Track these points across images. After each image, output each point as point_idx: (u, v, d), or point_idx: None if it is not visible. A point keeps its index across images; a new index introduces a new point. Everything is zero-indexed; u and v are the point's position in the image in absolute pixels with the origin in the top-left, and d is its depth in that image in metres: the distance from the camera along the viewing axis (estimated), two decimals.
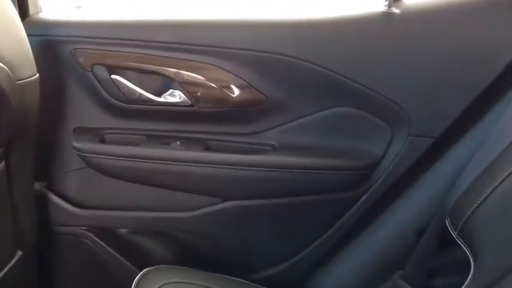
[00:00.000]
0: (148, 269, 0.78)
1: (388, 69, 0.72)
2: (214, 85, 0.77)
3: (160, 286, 0.70)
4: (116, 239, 0.89)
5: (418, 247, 0.66)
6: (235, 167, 0.78)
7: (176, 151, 0.79)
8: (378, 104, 0.74)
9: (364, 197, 0.80)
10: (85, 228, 0.87)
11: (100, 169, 0.81)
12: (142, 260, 0.91)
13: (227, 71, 0.75)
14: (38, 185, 0.84)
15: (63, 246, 0.90)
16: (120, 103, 0.79)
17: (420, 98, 0.73)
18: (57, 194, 0.85)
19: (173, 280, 0.72)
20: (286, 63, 0.73)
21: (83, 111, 0.82)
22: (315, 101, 0.78)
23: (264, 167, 0.78)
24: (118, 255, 0.90)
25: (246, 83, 0.75)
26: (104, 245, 0.89)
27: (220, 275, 0.79)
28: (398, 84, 0.72)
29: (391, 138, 0.77)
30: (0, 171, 0.63)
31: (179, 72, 0.75)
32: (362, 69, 0.73)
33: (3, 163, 0.63)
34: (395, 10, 0.71)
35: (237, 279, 0.79)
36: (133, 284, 0.74)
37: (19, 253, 0.73)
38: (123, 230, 0.90)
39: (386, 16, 0.71)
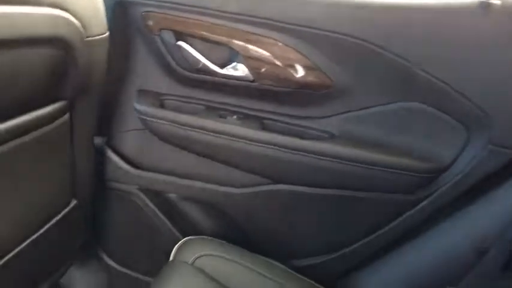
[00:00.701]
0: (190, 237, 0.78)
1: (476, 67, 0.64)
2: (279, 63, 0.73)
3: (199, 256, 0.70)
4: (164, 203, 0.91)
5: (479, 267, 0.60)
6: (290, 150, 0.75)
7: (232, 126, 0.77)
8: (457, 104, 0.66)
9: (424, 203, 0.74)
10: (137, 187, 0.89)
11: (157, 133, 0.82)
12: (186, 228, 0.93)
13: (295, 49, 0.71)
14: (98, 140, 0.87)
15: (114, 201, 0.93)
16: (184, 70, 0.78)
17: (509, 105, 0.64)
18: (115, 151, 0.88)
19: (212, 253, 0.72)
20: (359, 47, 0.67)
21: (147, 75, 0.83)
22: (385, 92, 0.72)
23: (320, 155, 0.74)
24: (164, 219, 0.91)
25: (313, 65, 0.71)
26: (152, 206, 0.91)
27: (259, 255, 0.78)
28: (485, 85, 0.64)
29: (466, 143, 0.70)
30: (64, 122, 0.65)
31: (245, 46, 0.73)
32: (444, 64, 0.65)
33: (67, 115, 0.65)
34: (496, 1, 0.62)
35: (274, 262, 0.77)
36: (174, 249, 0.75)
37: (74, 202, 0.76)
38: (172, 196, 0.91)
39: (485, 7, 0.63)
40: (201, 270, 0.68)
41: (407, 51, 0.65)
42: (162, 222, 0.93)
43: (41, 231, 0.68)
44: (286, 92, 0.76)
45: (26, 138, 0.58)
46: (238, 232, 0.89)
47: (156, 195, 0.91)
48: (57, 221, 0.72)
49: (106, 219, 0.97)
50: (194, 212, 0.92)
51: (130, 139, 0.88)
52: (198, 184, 0.86)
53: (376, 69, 0.70)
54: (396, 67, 0.67)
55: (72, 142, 0.70)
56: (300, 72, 0.73)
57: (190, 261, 0.69)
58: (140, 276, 1.04)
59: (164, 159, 0.87)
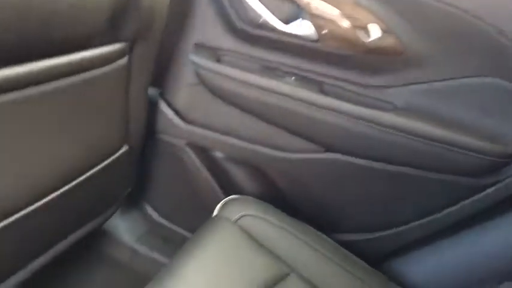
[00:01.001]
0: (233, 196, 0.77)
1: None
2: (348, 23, 0.68)
3: (244, 215, 0.69)
4: (210, 160, 0.90)
5: None
6: (348, 117, 0.71)
7: (289, 86, 0.74)
8: None
9: (489, 190, 0.68)
10: (185, 142, 0.89)
11: (212, 88, 0.80)
12: (229, 188, 0.92)
13: (369, 9, 0.65)
14: (152, 91, 0.87)
15: (161, 154, 0.94)
16: (244, 25, 0.75)
17: None
18: (168, 103, 0.87)
19: (258, 214, 0.70)
20: (448, 15, 0.60)
21: (207, 28, 0.80)
22: (465, 64, 0.65)
23: (381, 126, 0.69)
24: (208, 176, 0.91)
25: (388, 29, 0.65)
26: (197, 163, 0.90)
27: (301, 222, 0.75)
28: None
29: None
30: (122, 65, 0.64)
31: (312, 2, 0.68)
32: None
33: (126, 58, 0.64)
34: None
35: (321, 233, 0.75)
36: (218, 206, 0.74)
37: (125, 147, 0.77)
38: (219, 154, 0.90)
39: None
40: (245, 230, 0.66)
41: (501, 19, 0.58)
42: (205, 180, 0.92)
43: (92, 171, 0.69)
44: (352, 56, 0.71)
45: (86, 75, 0.57)
46: (281, 198, 0.87)
47: (203, 152, 0.90)
48: (108, 164, 0.72)
49: (152, 170, 0.98)
50: (239, 173, 0.91)
51: (184, 93, 0.86)
52: (247, 145, 0.84)
53: (460, 40, 0.63)
54: (485, 36, 0.60)
55: (128, 86, 0.69)
56: (371, 35, 0.68)
57: (233, 219, 0.68)
58: (180, 230, 1.05)
59: (215, 116, 0.85)
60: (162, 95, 0.88)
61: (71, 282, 1.02)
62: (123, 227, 1.13)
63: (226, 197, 0.90)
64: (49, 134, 0.56)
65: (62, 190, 0.63)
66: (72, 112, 0.59)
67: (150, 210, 1.07)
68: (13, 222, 0.55)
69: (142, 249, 1.11)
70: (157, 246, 1.11)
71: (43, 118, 0.54)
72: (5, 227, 0.54)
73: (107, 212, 0.89)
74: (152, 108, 0.87)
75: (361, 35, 0.69)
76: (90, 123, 0.65)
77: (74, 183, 0.65)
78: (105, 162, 0.71)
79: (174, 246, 1.10)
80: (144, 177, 0.97)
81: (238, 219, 0.68)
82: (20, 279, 0.68)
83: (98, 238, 1.12)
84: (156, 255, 1.10)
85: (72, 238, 0.80)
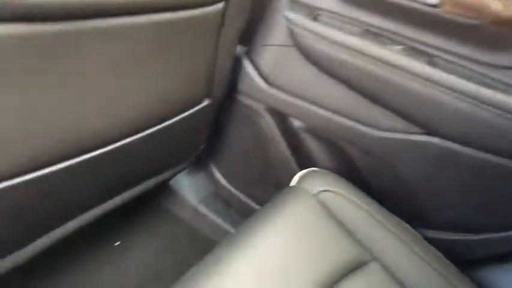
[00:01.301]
0: (314, 169, 0.71)
1: None
2: None
3: (323, 190, 0.63)
4: (288, 129, 0.85)
5: None
6: (459, 96, 0.61)
7: (395, 55, 0.65)
8: None
9: None
10: (264, 106, 0.84)
11: (304, 49, 0.74)
12: (305, 160, 0.86)
13: None
14: (238, 49, 0.82)
15: (237, 115, 0.90)
16: None
17: None
18: (252, 62, 0.82)
19: (337, 190, 0.64)
20: None
21: None
22: None
23: (500, 110, 0.59)
24: (284, 145, 0.86)
25: None
26: (274, 129, 0.85)
27: (387, 210, 0.68)
28: None
29: None
30: (218, 10, 0.59)
31: None
32: None
33: (222, 3, 0.59)
34: None
35: (406, 224, 0.67)
36: (295, 177, 0.69)
37: (206, 101, 0.73)
38: (298, 123, 0.84)
39: None
40: (325, 206, 0.60)
41: None
42: (280, 148, 0.87)
43: (170, 122, 0.66)
44: (476, 27, 0.60)
45: (181, 14, 0.53)
46: (360, 180, 0.79)
47: (281, 119, 0.85)
48: (186, 117, 0.69)
49: (225, 132, 0.94)
50: (316, 146, 0.85)
51: (271, 53, 0.81)
52: (332, 116, 0.76)
53: None
54: None
55: (219, 35, 0.64)
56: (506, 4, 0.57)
57: (313, 192, 0.62)
58: (244, 197, 1.02)
59: (302, 81, 0.78)
60: (247, 54, 0.83)
61: (131, 232, 1.03)
62: (188, 186, 1.12)
63: (299, 169, 0.85)
64: (131, 74, 0.53)
65: (137, 136, 0.61)
66: (160, 53, 0.56)
67: (217, 173, 1.05)
68: (90, 159, 0.53)
69: (205, 210, 1.09)
70: (220, 210, 1.09)
71: (129, 54, 0.50)
72: (82, 162, 0.52)
73: (176, 167, 0.87)
74: (235, 66, 0.83)
75: (492, 1, 0.58)
76: (176, 69, 0.61)
77: (150, 131, 0.63)
78: (184, 114, 0.68)
79: (237, 213, 1.08)
80: (216, 138, 0.94)
81: (319, 193, 0.62)
82: (83, 222, 0.68)
83: (163, 194, 1.13)
84: (217, 219, 1.08)
85: (139, 189, 0.79)
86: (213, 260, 0.51)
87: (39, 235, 0.60)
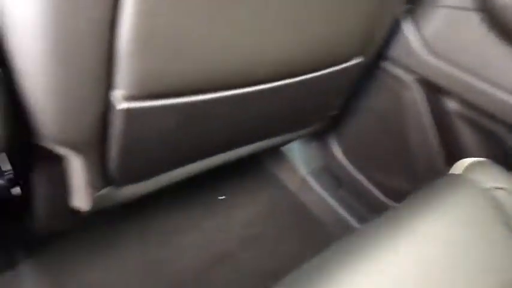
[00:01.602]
0: (479, 159, 0.58)
1: None
2: None
3: (495, 187, 0.50)
4: (440, 108, 0.72)
5: None
6: None
7: None
8: None
9: None
10: (416, 77, 0.72)
11: (497, 15, 0.60)
12: (457, 148, 0.73)
13: None
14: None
15: (380, 83, 0.79)
16: None
17: None
18: (414, 25, 0.70)
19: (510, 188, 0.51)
20: None
21: None
22: None
23: None
24: (432, 123, 0.74)
25: None
26: (423, 105, 0.74)
27: None
28: None
29: None
30: None
31: None
32: None
33: None
34: None
35: None
36: (457, 167, 0.57)
37: (358, 59, 0.64)
38: (455, 106, 0.71)
39: None
40: (500, 206, 0.48)
41: None
42: (425, 130, 0.75)
43: (322, 72, 0.58)
44: None
45: None
46: None
47: (434, 97, 0.72)
48: (337, 71, 0.61)
49: (357, 102, 0.84)
50: (474, 135, 0.71)
51: (440, 17, 0.68)
52: (503, 95, 0.62)
53: None
54: None
55: None
56: None
57: (485, 187, 0.50)
58: (362, 178, 0.92)
59: (477, 55, 0.65)
60: (410, 14, 0.71)
61: (237, 190, 1.00)
62: (300, 155, 1.05)
63: (447, 158, 0.72)
64: (297, 13, 0.46)
65: (286, 81, 0.53)
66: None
67: (335, 146, 0.96)
68: (240, 96, 0.48)
69: (313, 183, 1.02)
70: (329, 186, 1.01)
71: None
72: (234, 97, 0.47)
73: (304, 128, 0.79)
74: (392, 27, 0.71)
75: None
76: (341, 14, 0.52)
77: (299, 78, 0.55)
78: (334, 68, 0.60)
79: (348, 193, 0.99)
80: (344, 106, 0.84)
81: (492, 189, 0.50)
82: (202, 168, 0.64)
83: (272, 158, 1.07)
84: (324, 194, 1.01)
85: (264, 143, 0.73)
86: (356, 253, 0.41)
87: (164, 170, 0.57)
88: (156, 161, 0.52)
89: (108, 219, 0.83)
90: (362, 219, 0.95)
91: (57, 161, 0.47)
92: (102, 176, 0.48)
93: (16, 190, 0.48)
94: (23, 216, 0.57)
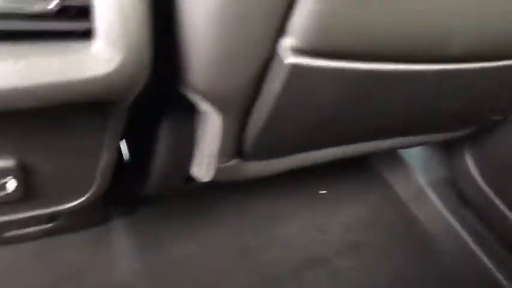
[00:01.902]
0: None
1: None
2: None
3: None
4: None
5: None
6: None
7: None
8: None
9: None
10: None
11: None
12: None
13: None
14: None
15: None
16: None
17: None
18: None
19: None
20: None
21: None
22: None
23: None
24: None
25: None
26: None
27: None
28: None
29: None
30: None
31: None
32: None
33: None
34: None
35: None
36: None
37: None
38: None
39: None
40: None
41: None
42: None
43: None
44: None
45: None
46: None
47: None
48: None
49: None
50: None
51: None
52: None
53: None
54: None
55: None
56: None
57: None
58: (500, 204, 0.76)
59: None
60: None
61: (340, 187, 0.90)
62: (421, 161, 0.91)
63: None
64: None
65: (464, 66, 0.42)
66: None
67: (468, 158, 0.81)
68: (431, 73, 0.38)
69: (430, 195, 0.88)
70: (451, 203, 0.87)
71: None
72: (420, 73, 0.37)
73: (454, 130, 0.66)
74: None
75: None
76: None
77: (482, 65, 0.43)
78: None
79: (475, 216, 0.84)
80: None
81: None
82: (341, 154, 0.56)
83: (386, 159, 0.95)
84: (443, 211, 0.87)
85: (392, 142, 0.62)
86: None
87: (298, 150, 0.49)
88: (298, 136, 0.44)
89: (211, 194, 0.78)
90: (488, 249, 0.80)
91: (189, 120, 0.41)
92: (235, 145, 0.42)
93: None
94: (132, 174, 0.53)
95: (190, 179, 0.49)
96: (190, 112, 0.42)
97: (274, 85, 0.33)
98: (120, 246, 0.70)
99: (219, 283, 0.71)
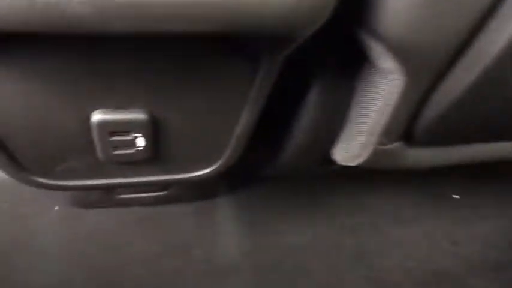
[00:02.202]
0: None
1: None
2: None
3: None
4: None
5: None
6: None
7: None
8: None
9: None
10: None
11: None
12: None
13: None
14: None
15: None
16: None
17: None
18: None
19: None
20: None
21: None
22: None
23: None
24: None
25: None
26: None
27: None
28: None
29: None
30: None
31: None
32: None
33: None
34: None
35: None
36: None
37: None
38: None
39: None
40: None
41: None
42: None
43: None
44: None
45: None
46: None
47: None
48: None
49: None
50: None
51: None
52: None
53: None
54: None
55: None
56: None
57: None
58: None
59: None
60: None
61: (474, 193, 0.75)
62: None
63: None
64: None
65: None
66: None
67: None
68: None
69: None
70: None
71: None
72: None
73: None
74: None
75: None
76: None
77: None
78: None
79: None
80: None
81: None
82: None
83: None
84: None
85: None
86: None
87: (471, 139, 0.38)
88: (485, 121, 0.33)
89: (327, 182, 0.69)
90: None
91: (340, 91, 0.33)
92: (406, 123, 0.32)
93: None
94: (260, 148, 0.47)
95: (326, 162, 0.41)
96: (344, 80, 0.33)
97: (489, 49, 0.23)
98: (228, 223, 0.66)
99: (327, 283, 0.63)
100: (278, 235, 0.65)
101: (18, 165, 0.33)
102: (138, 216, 0.66)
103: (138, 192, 0.61)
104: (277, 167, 0.44)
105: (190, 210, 0.66)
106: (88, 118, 0.30)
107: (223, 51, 0.27)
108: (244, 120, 0.32)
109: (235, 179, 0.68)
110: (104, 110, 0.30)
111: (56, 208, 0.65)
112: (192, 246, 0.63)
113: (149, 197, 0.63)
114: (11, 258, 0.60)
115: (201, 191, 0.64)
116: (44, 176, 0.35)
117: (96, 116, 0.30)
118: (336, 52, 0.32)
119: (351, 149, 0.36)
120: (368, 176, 0.71)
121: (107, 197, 0.64)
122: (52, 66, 0.26)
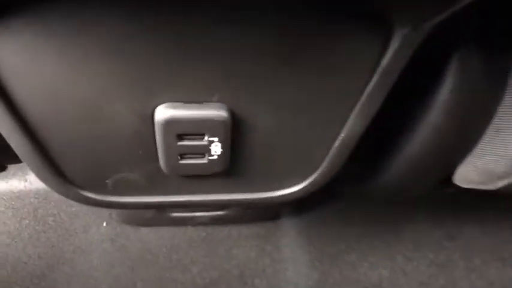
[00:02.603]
0: None
1: None
2: None
3: None
4: None
5: None
6: None
7: None
8: None
9: None
10: None
11: None
12: None
13: None
14: None
15: None
16: None
17: None
18: None
19: None
20: None
21: None
22: None
23: None
24: None
25: None
26: None
27: None
28: None
29: None
30: None
31: None
32: None
33: None
34: None
35: None
36: None
37: None
38: None
39: None
40: None
41: None
42: None
43: None
44: None
45: None
46: None
47: None
48: None
49: None
50: None
51: None
52: None
53: None
54: None
55: None
56: None
57: None
58: None
59: None
60: None
61: None
62: None
63: None
64: None
65: None
66: None
67: None
68: None
69: None
70: None
71: None
72: None
73: None
74: None
75: None
76: None
77: None
78: None
79: None
80: None
81: None
82: None
83: None
84: None
85: None
86: None
87: None
88: None
89: (411, 206, 0.59)
90: None
91: (489, 90, 0.23)
92: None
93: None
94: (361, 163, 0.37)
95: (444, 183, 0.31)
96: (492, 75, 0.24)
97: None
98: (293, 250, 0.56)
99: None
100: (352, 268, 0.55)
101: (62, 177, 0.27)
102: (192, 237, 0.59)
103: (193, 211, 0.53)
104: (372, 186, 0.35)
105: (251, 232, 0.57)
106: (151, 115, 0.23)
107: (337, 21, 0.19)
108: (353, 122, 0.24)
109: (298, 203, 0.59)
110: (172, 103, 0.22)
111: (104, 224, 0.59)
112: (251, 275, 0.54)
113: (205, 216, 0.55)
114: (55, 273, 0.54)
115: (263, 211, 0.55)
116: (93, 190, 0.28)
117: (162, 112, 0.22)
118: (484, 36, 0.23)
119: (481, 172, 0.27)
120: (465, 201, 0.60)
121: (159, 214, 0.58)
122: (105, 41, 0.19)
